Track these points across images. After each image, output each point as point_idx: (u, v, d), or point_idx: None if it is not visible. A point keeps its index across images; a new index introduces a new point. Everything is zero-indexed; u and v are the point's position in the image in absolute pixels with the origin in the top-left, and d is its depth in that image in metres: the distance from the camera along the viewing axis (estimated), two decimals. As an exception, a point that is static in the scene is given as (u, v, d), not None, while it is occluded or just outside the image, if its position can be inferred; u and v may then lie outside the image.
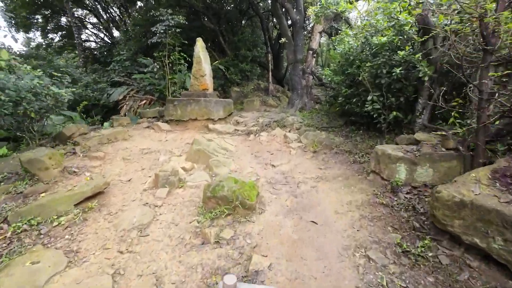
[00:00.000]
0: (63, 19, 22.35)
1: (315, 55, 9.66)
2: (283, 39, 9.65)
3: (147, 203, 3.37)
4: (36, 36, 24.16)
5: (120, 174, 4.04)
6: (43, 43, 22.79)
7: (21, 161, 3.66)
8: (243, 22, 14.76)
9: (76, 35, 13.98)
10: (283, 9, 10.61)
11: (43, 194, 3.31)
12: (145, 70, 10.24)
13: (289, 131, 6.87)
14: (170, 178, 3.72)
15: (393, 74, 4.52)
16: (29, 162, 3.60)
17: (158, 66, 9.79)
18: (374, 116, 4.98)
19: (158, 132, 6.58)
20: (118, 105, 11.46)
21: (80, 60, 14.11)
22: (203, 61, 7.57)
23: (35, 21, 21.21)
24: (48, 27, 22.92)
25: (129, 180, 3.91)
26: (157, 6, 10.74)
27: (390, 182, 3.59)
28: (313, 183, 3.90)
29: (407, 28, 4.82)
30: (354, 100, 5.73)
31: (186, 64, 10.15)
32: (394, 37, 4.92)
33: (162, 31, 8.90)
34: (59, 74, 6.70)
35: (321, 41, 13.32)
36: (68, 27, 23.00)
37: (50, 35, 23.81)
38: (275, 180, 4.02)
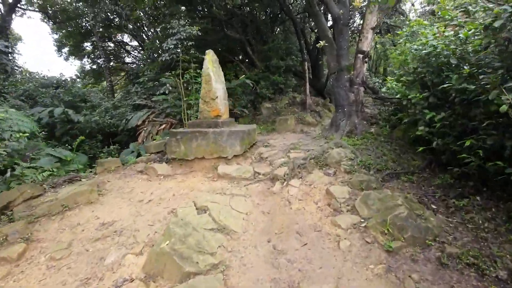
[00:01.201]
0: (111, 45, 23.38)
1: (366, 59, 7.18)
2: (321, 42, 7.40)
3: None
4: (88, 62, 25.27)
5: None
6: (89, 68, 24.05)
7: None
8: (274, 28, 12.86)
9: (103, 59, 13.64)
10: (321, 4, 8.35)
11: None
12: (162, 91, 8.90)
13: (335, 178, 4.54)
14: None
15: None
16: None
17: (170, 87, 8.32)
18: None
19: (150, 181, 4.88)
20: (137, 131, 10.41)
21: (107, 84, 13.70)
22: (213, 79, 5.75)
23: (83, 49, 22.46)
24: (95, 53, 24.06)
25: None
26: (170, 18, 9.43)
27: None
28: None
29: None
30: (453, 136, 3.23)
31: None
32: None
33: (172, 46, 7.42)
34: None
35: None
36: (112, 53, 24.05)
37: (99, 61, 24.86)
38: None
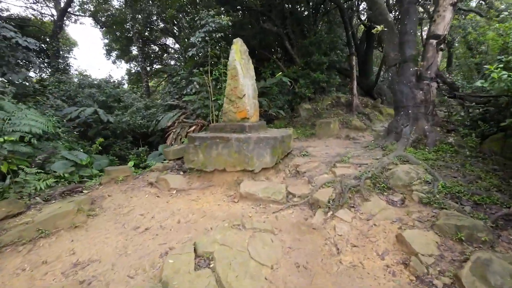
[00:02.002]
0: (155, 47, 24.19)
1: (442, 46, 5.44)
2: (378, 27, 5.85)
3: None
4: (134, 65, 26.36)
5: None
6: (133, 71, 25.14)
7: None
8: (316, 19, 11.41)
9: (140, 60, 13.63)
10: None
11: None
12: (189, 90, 8.15)
13: (406, 212, 3.10)
14: None
15: None
16: None
17: (198, 86, 7.50)
18: None
19: (158, 197, 3.97)
20: (166, 133, 9.91)
21: (144, 85, 13.66)
22: (241, 74, 4.69)
23: (129, 52, 23.50)
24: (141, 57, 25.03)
25: None
26: (198, 10, 8.62)
27: None
28: None
29: None
30: None
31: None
32: None
33: (199, 39, 6.56)
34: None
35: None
36: (156, 55, 24.85)
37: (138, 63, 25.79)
38: None
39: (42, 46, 16.39)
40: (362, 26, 14.95)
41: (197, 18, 6.90)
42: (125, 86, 21.47)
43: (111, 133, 9.85)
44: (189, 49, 6.87)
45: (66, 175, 5.09)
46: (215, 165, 4.38)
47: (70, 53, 19.95)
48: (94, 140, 9.97)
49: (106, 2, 19.09)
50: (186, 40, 10.88)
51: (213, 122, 8.14)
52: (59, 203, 3.35)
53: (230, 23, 6.72)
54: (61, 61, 16.04)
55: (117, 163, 9.48)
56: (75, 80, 11.06)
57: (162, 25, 19.19)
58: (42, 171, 4.95)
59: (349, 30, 10.48)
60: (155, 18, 17.75)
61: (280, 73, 9.73)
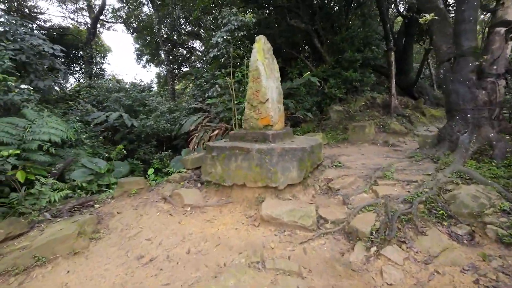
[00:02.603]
0: (183, 50, 24.63)
1: (512, 34, 4.40)
2: (427, 16, 4.92)
3: None
4: (163, 68, 27.03)
5: None
6: (162, 74, 25.81)
7: None
8: (348, 13, 10.48)
9: (166, 63, 13.70)
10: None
11: None
12: (211, 94, 7.80)
13: (481, 254, 2.33)
14: None
15: None
16: None
17: (219, 88, 7.10)
18: None
19: (170, 215, 3.56)
20: (189, 137, 9.69)
21: (169, 88, 13.71)
22: (264, 75, 4.14)
23: (159, 56, 24.16)
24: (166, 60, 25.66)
25: None
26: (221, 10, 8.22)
27: None
28: None
29: None
30: None
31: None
32: None
33: (221, 40, 6.14)
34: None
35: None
36: (184, 58, 25.27)
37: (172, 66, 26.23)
38: None
39: (80, 54, 17.42)
40: (399, 18, 13.62)
41: (219, 17, 6.48)
42: (155, 89, 22.12)
43: (136, 137, 9.86)
44: (210, 50, 6.47)
45: (84, 184, 4.94)
46: (234, 179, 3.88)
47: (105, 59, 21.04)
48: (120, 144, 10.11)
49: (137, 9, 19.76)
50: (208, 41, 10.60)
51: (235, 127, 7.71)
52: (63, 222, 3.07)
53: (253, 20, 6.20)
54: (98, 67, 16.87)
55: (141, 168, 9.45)
56: (109, 85, 11.31)
57: (190, 28, 19.40)
58: (60, 181, 4.85)
59: (387, 22, 9.41)
60: (182, 21, 17.96)
61: (308, 72, 9.02)
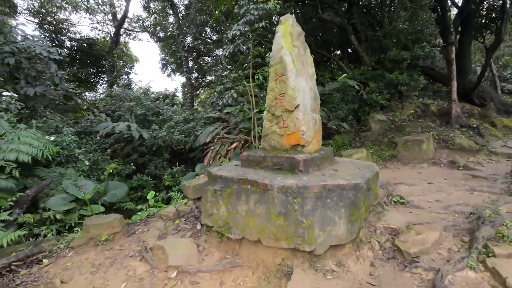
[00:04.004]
0: (208, 59, 24.21)
1: None
2: None
3: None
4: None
5: None
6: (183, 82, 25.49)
7: None
8: (392, 4, 8.80)
9: (185, 69, 12.92)
10: None
11: None
12: (225, 101, 6.57)
13: None
14: None
15: None
16: None
17: (235, 94, 5.84)
18: None
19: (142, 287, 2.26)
20: (204, 150, 8.55)
21: (188, 96, 12.87)
22: (292, 70, 2.77)
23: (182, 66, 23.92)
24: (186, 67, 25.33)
25: None
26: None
27: None
28: None
29: None
30: None
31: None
32: None
33: (237, 32, 4.91)
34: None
35: None
36: (209, 67, 24.80)
37: (195, 75, 25.83)
38: None
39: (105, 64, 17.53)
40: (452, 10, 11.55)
41: (236, 7, 5.29)
42: (180, 98, 21.71)
43: (148, 149, 8.94)
44: (224, 47, 5.27)
45: (58, 216, 3.86)
46: (243, 230, 2.50)
47: (132, 69, 21.13)
48: (131, 158, 9.26)
49: (164, 19, 19.65)
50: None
51: (255, 141, 6.39)
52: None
53: (278, 7, 4.88)
54: (125, 76, 16.80)
55: (151, 184, 8.45)
56: (123, 93, 10.68)
57: (215, 37, 18.76)
58: (33, 211, 3.83)
59: (447, 11, 7.58)
60: (208, 30, 17.36)
61: (345, 74, 7.48)
